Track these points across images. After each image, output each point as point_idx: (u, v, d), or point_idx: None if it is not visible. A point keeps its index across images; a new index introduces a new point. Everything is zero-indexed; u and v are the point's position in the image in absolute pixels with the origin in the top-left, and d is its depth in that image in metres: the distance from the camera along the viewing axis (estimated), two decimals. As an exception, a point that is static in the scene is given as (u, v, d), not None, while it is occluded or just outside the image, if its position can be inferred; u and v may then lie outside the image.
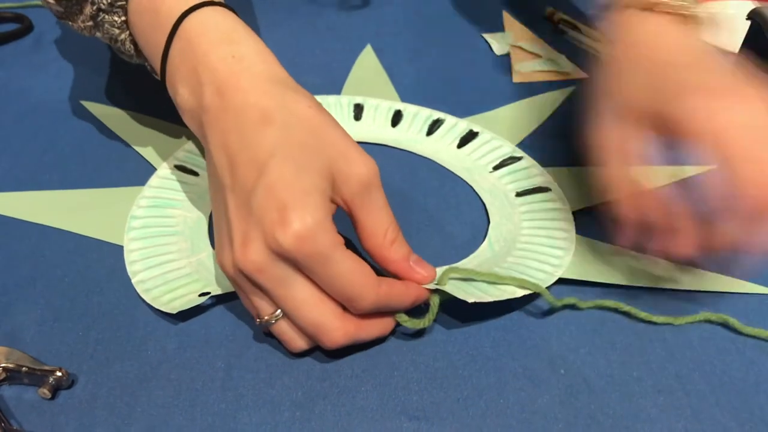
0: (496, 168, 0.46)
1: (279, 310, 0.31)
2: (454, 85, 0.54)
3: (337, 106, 0.51)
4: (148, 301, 0.35)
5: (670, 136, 0.34)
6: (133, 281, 0.36)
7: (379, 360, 0.34)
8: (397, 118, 0.50)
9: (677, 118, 0.33)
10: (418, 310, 0.34)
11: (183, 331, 0.35)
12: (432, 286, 0.34)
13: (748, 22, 0.52)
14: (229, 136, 0.31)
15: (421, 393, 0.33)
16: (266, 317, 0.32)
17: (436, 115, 0.51)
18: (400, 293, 0.32)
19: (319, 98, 0.50)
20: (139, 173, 0.44)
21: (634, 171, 0.35)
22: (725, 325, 0.36)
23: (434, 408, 0.32)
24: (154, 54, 0.36)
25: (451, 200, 0.44)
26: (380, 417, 0.32)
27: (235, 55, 0.33)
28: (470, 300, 0.33)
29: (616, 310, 0.36)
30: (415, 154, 0.47)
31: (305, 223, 0.29)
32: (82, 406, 0.31)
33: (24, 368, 0.31)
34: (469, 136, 0.49)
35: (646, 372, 0.34)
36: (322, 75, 0.54)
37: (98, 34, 0.39)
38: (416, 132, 0.49)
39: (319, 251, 0.29)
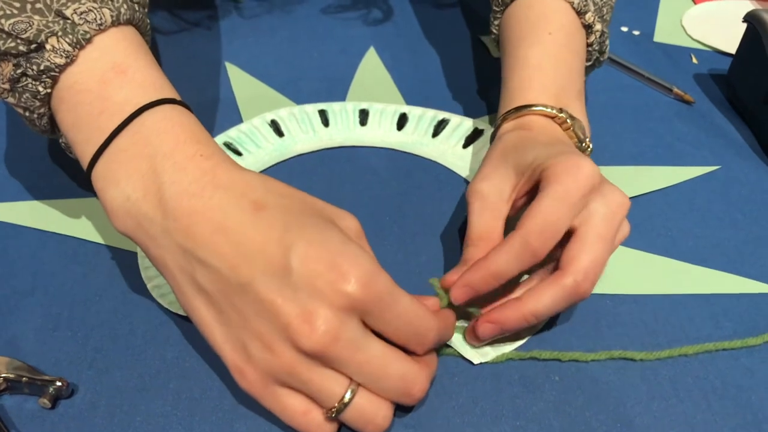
0: None
1: (350, 388, 0.29)
2: (458, 88, 0.54)
3: (343, 112, 0.50)
4: (165, 306, 0.35)
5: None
6: (148, 286, 0.37)
7: (376, 367, 0.34)
8: (402, 121, 0.50)
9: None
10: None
11: (182, 340, 0.35)
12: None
13: (745, 24, 0.52)
14: (222, 233, 0.29)
15: (417, 400, 0.33)
16: (340, 400, 0.29)
17: (441, 115, 0.50)
18: (447, 319, 0.33)
19: (323, 105, 0.50)
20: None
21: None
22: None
23: (430, 415, 0.32)
24: (85, 139, 0.32)
25: (455, 204, 0.44)
26: (377, 425, 0.32)
27: (203, 154, 0.31)
28: (475, 361, 0.35)
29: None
30: (421, 157, 0.47)
31: (364, 267, 0.28)
32: (82, 416, 0.32)
33: (24, 378, 0.32)
34: (474, 135, 0.48)
35: (641, 378, 0.34)
36: (325, 80, 0.53)
37: (10, 99, 0.34)
38: (422, 134, 0.49)
39: (385, 289, 0.28)
